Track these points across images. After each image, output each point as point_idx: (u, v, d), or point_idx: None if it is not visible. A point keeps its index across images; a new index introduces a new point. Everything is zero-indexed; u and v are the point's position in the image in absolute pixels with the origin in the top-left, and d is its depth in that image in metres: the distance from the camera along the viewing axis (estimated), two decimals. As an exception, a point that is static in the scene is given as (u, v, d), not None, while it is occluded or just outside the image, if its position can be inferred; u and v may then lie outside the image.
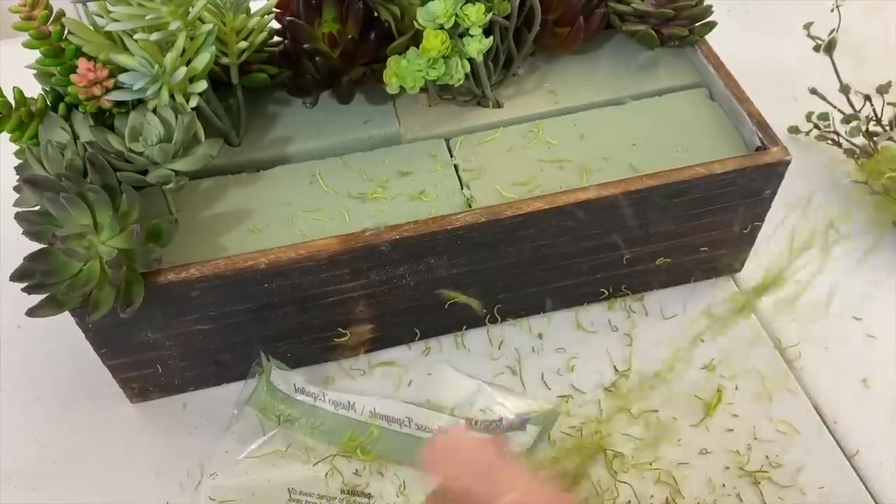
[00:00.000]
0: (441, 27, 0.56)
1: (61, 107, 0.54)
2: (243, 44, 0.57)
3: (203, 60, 0.52)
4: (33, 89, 0.54)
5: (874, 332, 0.65)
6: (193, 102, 0.52)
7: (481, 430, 0.57)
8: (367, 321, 0.60)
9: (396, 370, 0.62)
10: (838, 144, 0.75)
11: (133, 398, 0.60)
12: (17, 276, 0.48)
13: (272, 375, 0.59)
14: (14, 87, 0.52)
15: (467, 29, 0.56)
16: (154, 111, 0.53)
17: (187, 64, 0.52)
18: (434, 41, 0.55)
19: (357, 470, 0.56)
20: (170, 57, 0.50)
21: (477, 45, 0.56)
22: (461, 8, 0.55)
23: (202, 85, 0.52)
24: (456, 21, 0.55)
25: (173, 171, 0.52)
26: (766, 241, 0.67)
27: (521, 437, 0.57)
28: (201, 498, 0.55)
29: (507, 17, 0.60)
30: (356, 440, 0.58)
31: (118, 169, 0.50)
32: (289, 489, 0.55)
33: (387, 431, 0.58)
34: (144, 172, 0.51)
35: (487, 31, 0.58)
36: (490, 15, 0.56)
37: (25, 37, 0.51)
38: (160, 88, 0.51)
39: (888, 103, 0.73)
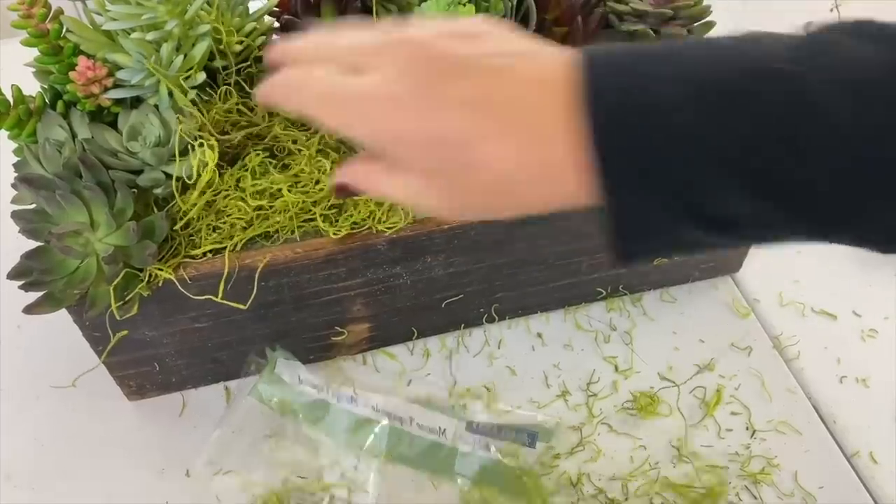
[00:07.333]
0: None
1: (60, 104, 0.54)
2: (241, 44, 0.57)
3: (201, 49, 0.52)
4: (32, 87, 0.55)
5: (874, 332, 0.65)
6: (191, 96, 0.52)
7: (485, 433, 0.57)
8: (365, 320, 0.60)
9: (395, 369, 0.62)
10: (838, 144, 0.74)
11: (130, 396, 0.60)
12: (14, 274, 0.48)
13: (277, 366, 0.59)
14: (12, 85, 0.52)
15: None
16: (156, 107, 0.53)
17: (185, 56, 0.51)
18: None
19: (356, 465, 0.56)
20: (165, 48, 0.50)
21: None
22: (453, 9, 0.55)
23: (200, 76, 0.52)
24: None
25: (166, 174, 0.52)
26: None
27: (530, 454, 0.56)
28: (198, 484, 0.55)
29: (503, 18, 0.60)
30: (357, 435, 0.57)
31: (113, 167, 0.50)
32: (284, 479, 0.55)
33: (389, 429, 0.58)
34: (139, 172, 0.51)
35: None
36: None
37: (24, 35, 0.51)
38: (157, 82, 0.51)
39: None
